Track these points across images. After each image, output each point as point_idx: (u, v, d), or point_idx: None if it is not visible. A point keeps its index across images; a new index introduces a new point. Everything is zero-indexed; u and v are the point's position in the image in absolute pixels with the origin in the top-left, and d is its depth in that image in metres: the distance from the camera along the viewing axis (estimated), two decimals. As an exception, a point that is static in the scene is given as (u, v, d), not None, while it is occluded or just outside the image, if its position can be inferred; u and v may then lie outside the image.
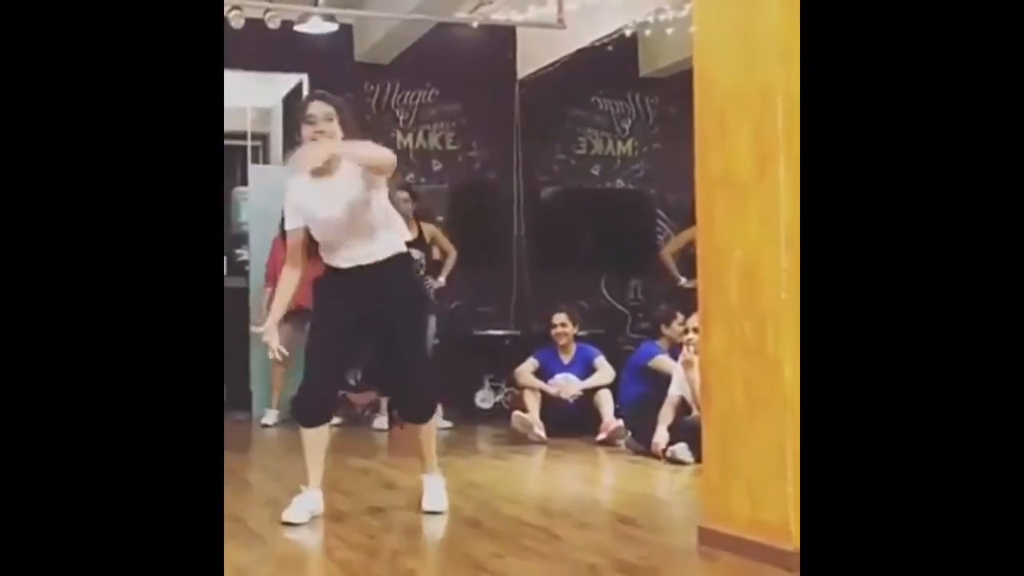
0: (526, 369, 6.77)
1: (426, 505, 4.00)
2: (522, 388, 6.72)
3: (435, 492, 4.05)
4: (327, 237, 3.89)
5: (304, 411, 3.98)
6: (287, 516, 3.79)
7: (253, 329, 3.77)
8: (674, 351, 6.44)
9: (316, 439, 3.98)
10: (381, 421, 7.11)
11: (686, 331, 5.81)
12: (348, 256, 3.89)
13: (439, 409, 7.19)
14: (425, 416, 4.10)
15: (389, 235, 3.94)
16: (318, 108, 3.81)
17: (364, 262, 3.88)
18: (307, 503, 3.89)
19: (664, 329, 6.68)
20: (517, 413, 6.52)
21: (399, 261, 3.96)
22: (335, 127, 3.80)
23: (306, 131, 3.79)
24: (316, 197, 3.86)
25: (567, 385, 6.66)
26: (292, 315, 7.41)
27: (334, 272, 3.93)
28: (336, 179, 3.84)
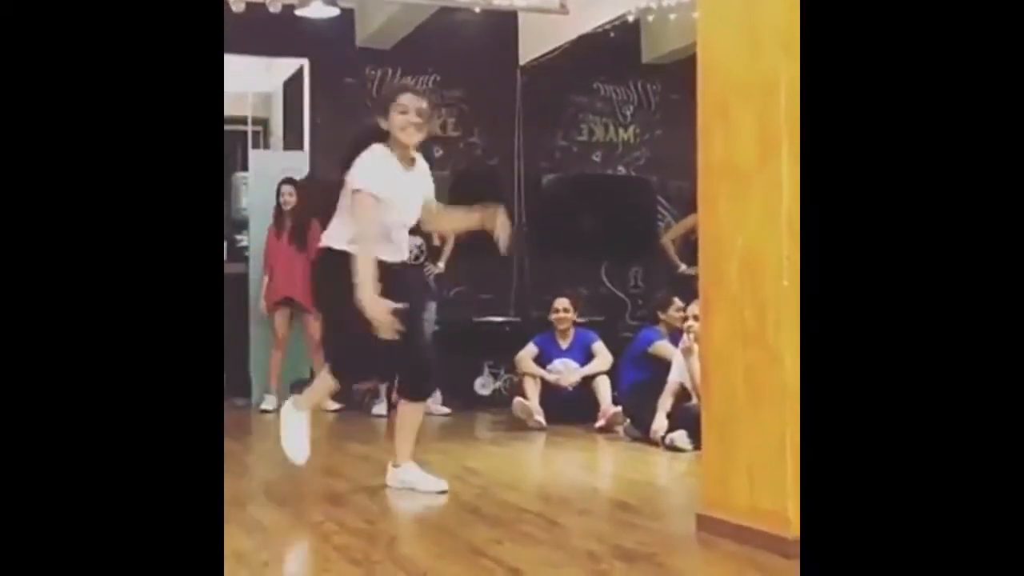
0: (526, 355, 6.78)
1: (434, 487, 4.07)
2: (522, 375, 6.73)
3: (425, 475, 4.11)
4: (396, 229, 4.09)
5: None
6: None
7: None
8: (673, 336, 6.47)
9: None
10: (380, 407, 7.12)
11: (686, 318, 5.81)
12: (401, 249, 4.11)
13: (438, 395, 7.28)
14: (429, 392, 4.48)
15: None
16: (412, 100, 4.02)
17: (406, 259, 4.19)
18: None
19: (661, 315, 6.72)
20: (518, 399, 6.53)
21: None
22: (424, 121, 4.06)
23: (398, 119, 4.00)
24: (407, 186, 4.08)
25: (566, 373, 6.67)
26: (286, 303, 7.49)
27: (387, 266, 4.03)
28: (417, 174, 4.14)
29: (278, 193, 7.63)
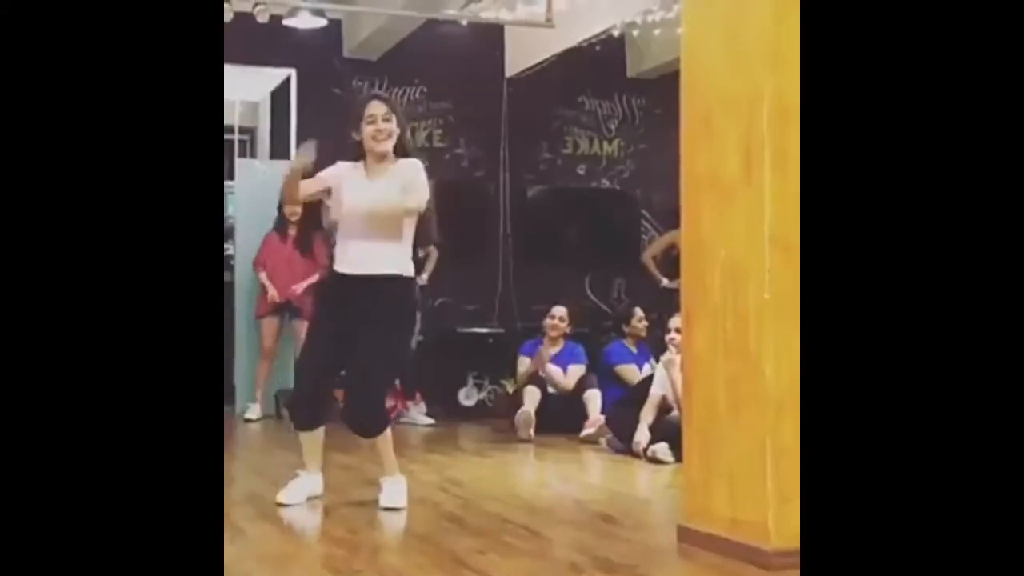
0: (522, 364, 6.95)
1: (384, 502, 4.05)
2: (526, 377, 6.80)
3: (393, 490, 4.10)
4: (352, 229, 4.00)
5: (298, 416, 4.18)
6: (281, 498, 4.02)
7: None
8: (640, 346, 6.83)
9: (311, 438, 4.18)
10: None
11: (668, 330, 5.86)
12: (358, 260, 4.00)
13: (422, 406, 7.30)
14: (374, 429, 4.08)
15: (401, 254, 4.06)
16: (377, 107, 4.03)
17: (369, 272, 3.99)
18: (304, 485, 4.11)
19: (625, 327, 6.95)
20: (524, 410, 6.53)
21: (402, 281, 4.08)
22: (393, 126, 4.02)
23: (367, 130, 3.99)
24: (367, 186, 4.01)
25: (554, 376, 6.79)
26: (280, 308, 7.48)
27: (339, 277, 4.05)
28: (386, 183, 4.01)
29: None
